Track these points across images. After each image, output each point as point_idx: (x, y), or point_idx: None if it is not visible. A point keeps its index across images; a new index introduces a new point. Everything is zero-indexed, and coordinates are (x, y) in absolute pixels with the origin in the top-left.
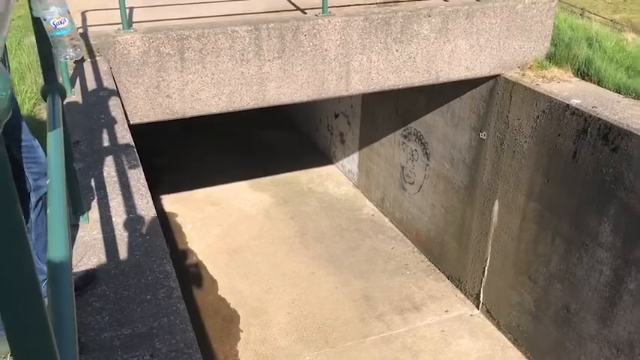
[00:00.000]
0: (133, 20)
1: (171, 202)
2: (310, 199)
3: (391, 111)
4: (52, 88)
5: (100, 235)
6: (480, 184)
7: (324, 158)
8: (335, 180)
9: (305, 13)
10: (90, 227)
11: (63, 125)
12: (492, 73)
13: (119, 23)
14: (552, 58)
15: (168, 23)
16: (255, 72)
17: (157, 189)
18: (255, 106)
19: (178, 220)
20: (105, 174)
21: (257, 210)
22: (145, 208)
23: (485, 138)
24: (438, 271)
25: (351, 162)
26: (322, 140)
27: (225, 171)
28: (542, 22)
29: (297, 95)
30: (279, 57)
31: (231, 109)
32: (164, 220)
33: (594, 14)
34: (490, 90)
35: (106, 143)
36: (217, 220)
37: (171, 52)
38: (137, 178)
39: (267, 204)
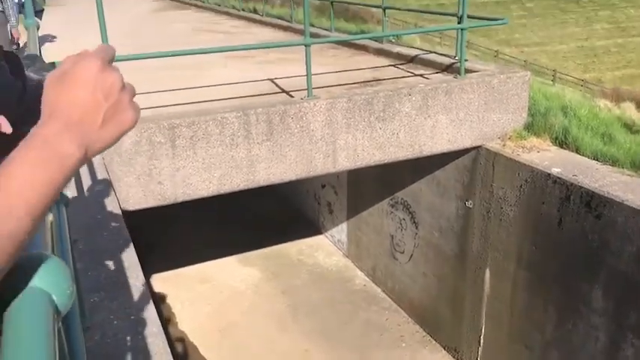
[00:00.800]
0: None
1: (160, 281)
2: (300, 271)
3: (377, 181)
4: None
5: (102, 340)
6: (470, 252)
7: (312, 229)
8: (325, 250)
9: (291, 96)
10: (91, 332)
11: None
12: (474, 145)
13: None
14: (530, 128)
15: (159, 111)
16: (245, 155)
17: (145, 267)
18: (246, 187)
19: (168, 300)
20: (104, 274)
21: (247, 285)
22: (146, 309)
23: (471, 207)
24: (434, 341)
25: (340, 232)
26: (310, 211)
27: (214, 246)
28: (518, 94)
29: (286, 175)
30: (267, 139)
31: (222, 192)
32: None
33: (565, 75)
34: (473, 160)
35: (103, 240)
36: (207, 298)
37: (162, 140)
38: (136, 276)
39: (256, 279)
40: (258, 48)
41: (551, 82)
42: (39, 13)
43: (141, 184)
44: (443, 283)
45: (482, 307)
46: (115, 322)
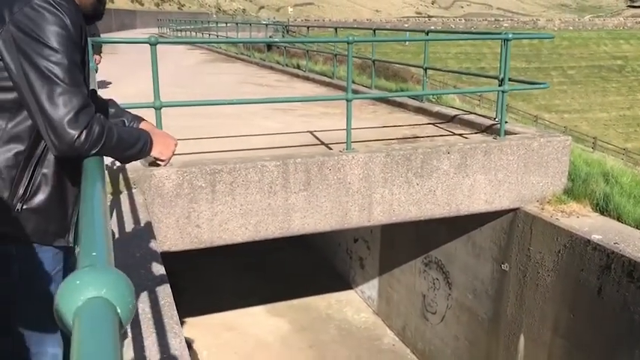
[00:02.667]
0: None
1: (187, 326)
2: (329, 326)
3: (411, 238)
4: None
5: None
6: (504, 316)
7: (343, 283)
8: (354, 306)
9: (330, 149)
10: None
11: None
12: (512, 207)
13: None
14: (570, 193)
15: (201, 157)
16: (282, 203)
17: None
18: (280, 236)
19: (195, 346)
20: (140, 310)
21: (274, 337)
22: (178, 348)
23: (507, 270)
24: None
25: (370, 288)
26: (341, 264)
27: (242, 294)
28: (558, 158)
29: (321, 225)
30: (304, 189)
31: (257, 239)
32: None
33: (606, 143)
34: (510, 222)
35: (141, 279)
36: (233, 347)
37: (203, 184)
38: (170, 315)
39: (284, 330)
40: (301, 101)
41: (592, 150)
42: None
43: (179, 226)
44: (475, 348)
45: None
46: (148, 358)
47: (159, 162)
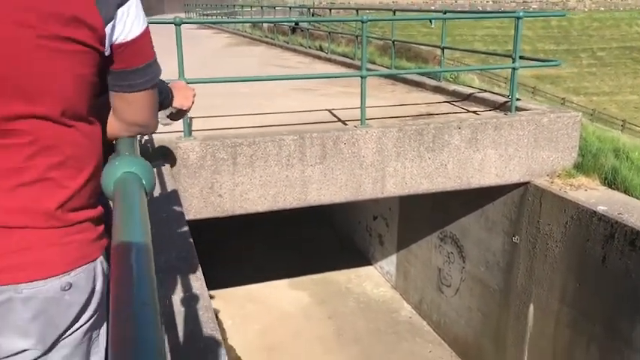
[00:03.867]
0: (193, 129)
1: (212, 295)
2: (348, 299)
3: (428, 214)
4: None
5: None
6: (514, 287)
7: (362, 259)
8: (373, 281)
9: (345, 125)
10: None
11: None
12: (522, 180)
13: (181, 131)
14: (580, 168)
15: (223, 132)
16: (299, 175)
17: None
18: (297, 206)
19: (220, 315)
20: (169, 276)
21: (295, 308)
22: (206, 313)
23: (517, 242)
24: None
25: (389, 263)
26: (361, 241)
27: (265, 268)
28: (569, 134)
29: (336, 197)
30: (320, 162)
31: (275, 208)
32: None
33: (636, 125)
34: (521, 196)
35: (167, 242)
36: (257, 317)
37: (225, 157)
38: (199, 282)
39: (305, 303)
40: (317, 78)
41: (620, 132)
42: None
43: (203, 195)
44: (487, 318)
45: (524, 343)
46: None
47: (180, 113)
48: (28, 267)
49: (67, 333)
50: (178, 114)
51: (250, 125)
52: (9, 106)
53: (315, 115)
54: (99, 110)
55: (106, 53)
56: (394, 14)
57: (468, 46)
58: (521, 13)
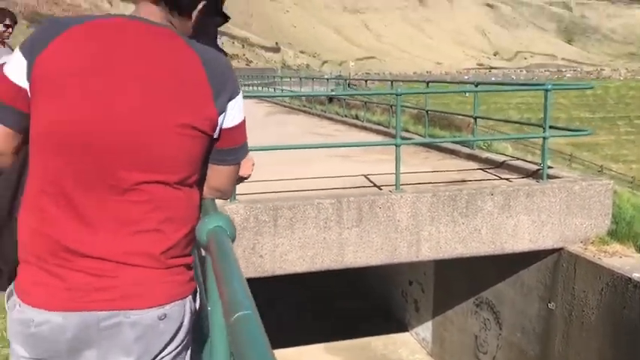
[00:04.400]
0: (238, 193)
1: None
2: None
3: (464, 280)
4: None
5: None
6: (551, 354)
7: (398, 325)
8: (409, 348)
9: (381, 190)
10: None
11: None
12: (556, 246)
13: None
14: (614, 235)
15: (265, 196)
16: (336, 238)
17: None
18: (334, 268)
19: None
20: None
21: None
22: None
23: (553, 308)
24: None
25: (425, 330)
26: (397, 307)
27: (302, 332)
28: (601, 201)
29: (372, 259)
30: (356, 225)
31: (312, 270)
32: None
33: None
34: (555, 262)
35: None
36: None
37: (267, 219)
38: None
39: None
40: (353, 146)
41: None
42: None
43: (245, 256)
44: None
45: None
46: None
47: (241, 180)
48: (137, 298)
49: (159, 357)
50: (239, 180)
51: (290, 189)
52: (140, 174)
53: (351, 180)
54: (200, 180)
55: (215, 136)
56: (427, 85)
57: (503, 114)
58: (549, 86)
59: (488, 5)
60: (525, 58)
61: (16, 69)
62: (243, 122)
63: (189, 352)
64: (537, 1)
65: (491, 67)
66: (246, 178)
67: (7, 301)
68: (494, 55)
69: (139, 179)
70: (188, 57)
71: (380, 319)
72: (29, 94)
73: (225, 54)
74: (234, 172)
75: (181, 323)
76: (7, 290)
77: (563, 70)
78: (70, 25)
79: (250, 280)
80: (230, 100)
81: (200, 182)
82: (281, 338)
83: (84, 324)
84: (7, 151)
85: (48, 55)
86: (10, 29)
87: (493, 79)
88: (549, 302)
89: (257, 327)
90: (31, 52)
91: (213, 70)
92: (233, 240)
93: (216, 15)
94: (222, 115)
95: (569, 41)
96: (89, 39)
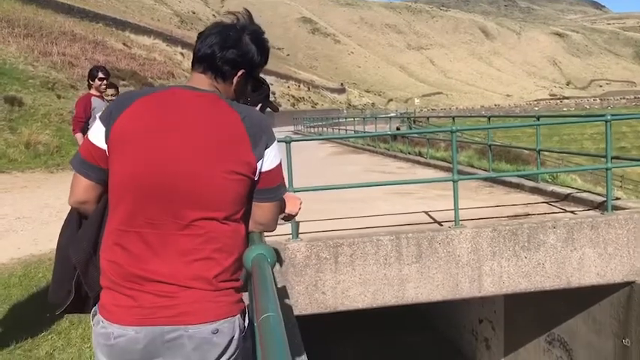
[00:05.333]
0: (300, 232)
1: None
2: None
3: (534, 316)
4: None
5: None
6: None
7: None
8: None
9: (441, 225)
10: None
11: None
12: (626, 280)
13: (290, 234)
14: None
15: (326, 234)
16: (396, 274)
17: None
18: (396, 304)
19: None
20: None
21: None
22: None
23: (628, 345)
24: None
25: None
26: (467, 346)
27: None
28: None
29: (433, 295)
30: (416, 261)
31: (374, 306)
32: None
33: None
34: (627, 296)
35: None
36: None
37: (327, 256)
38: None
39: None
40: (410, 183)
41: None
42: None
43: (308, 292)
44: None
45: None
46: None
47: (289, 217)
48: (193, 315)
49: None
50: (288, 217)
51: (351, 227)
52: (196, 212)
53: (411, 217)
54: (246, 214)
55: (256, 178)
56: (489, 120)
57: (576, 145)
58: (609, 117)
59: (558, 35)
60: (601, 86)
61: (97, 134)
62: (280, 165)
63: None
64: (611, 27)
65: (564, 97)
66: (294, 216)
67: (93, 319)
68: (567, 84)
69: (195, 216)
70: (230, 115)
71: (449, 358)
72: (107, 153)
73: (276, 108)
74: (275, 207)
75: (232, 337)
76: (92, 311)
77: None
78: (137, 97)
79: (314, 317)
80: (267, 147)
81: (245, 218)
82: None
83: (152, 336)
84: (91, 199)
85: (120, 123)
86: (105, 81)
87: (565, 109)
88: (624, 339)
89: (278, 324)
90: (108, 121)
91: (251, 125)
92: (273, 266)
93: (253, 80)
94: (260, 161)
95: None
96: (152, 107)
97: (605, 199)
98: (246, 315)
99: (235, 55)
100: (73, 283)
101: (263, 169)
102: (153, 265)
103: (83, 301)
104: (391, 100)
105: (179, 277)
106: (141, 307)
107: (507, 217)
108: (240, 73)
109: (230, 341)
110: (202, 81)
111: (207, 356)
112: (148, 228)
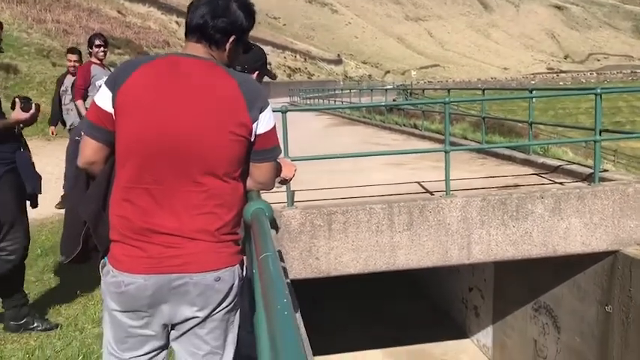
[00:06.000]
0: (295, 200)
1: None
2: None
3: (522, 285)
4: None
5: None
6: (610, 358)
7: (459, 331)
8: (470, 354)
9: (432, 195)
10: None
11: None
12: (610, 249)
13: (285, 202)
14: None
15: (320, 202)
16: (388, 241)
17: None
18: (387, 270)
19: None
20: None
21: None
22: None
23: (610, 311)
24: None
25: (485, 336)
26: (457, 313)
27: (361, 338)
28: None
29: (423, 262)
30: (407, 229)
31: (366, 271)
32: None
33: None
34: (611, 265)
35: None
36: None
37: (321, 223)
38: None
39: None
40: (402, 153)
41: None
42: None
43: (302, 258)
44: None
45: None
46: None
47: (285, 181)
48: (198, 263)
49: (216, 311)
50: (284, 181)
51: (345, 196)
52: (198, 171)
53: (404, 187)
54: (244, 174)
55: (252, 139)
56: (483, 93)
57: (572, 119)
58: (598, 90)
59: (557, 7)
60: (598, 60)
61: (104, 98)
62: (274, 128)
63: (238, 311)
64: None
65: (561, 71)
66: (289, 180)
67: (102, 270)
68: (565, 58)
69: (198, 175)
70: (227, 80)
71: (440, 326)
72: (114, 117)
73: (274, 76)
74: (272, 167)
75: (232, 284)
76: (101, 262)
77: (638, 71)
78: (140, 64)
79: (307, 281)
80: (261, 112)
81: (243, 177)
82: (338, 342)
83: (160, 284)
84: (99, 160)
85: (126, 87)
86: (102, 48)
87: (561, 83)
88: (606, 305)
89: (276, 261)
90: (113, 86)
91: (247, 90)
92: (270, 219)
93: (243, 44)
94: (255, 123)
95: None
96: (155, 73)
97: (593, 171)
98: (245, 267)
99: (226, 24)
100: (81, 237)
101: (258, 132)
102: (160, 219)
103: (87, 253)
104: (388, 72)
105: (184, 230)
106: (150, 257)
107: (497, 187)
108: (231, 40)
109: (230, 288)
110: (198, 49)
111: (210, 302)
112: (155, 185)
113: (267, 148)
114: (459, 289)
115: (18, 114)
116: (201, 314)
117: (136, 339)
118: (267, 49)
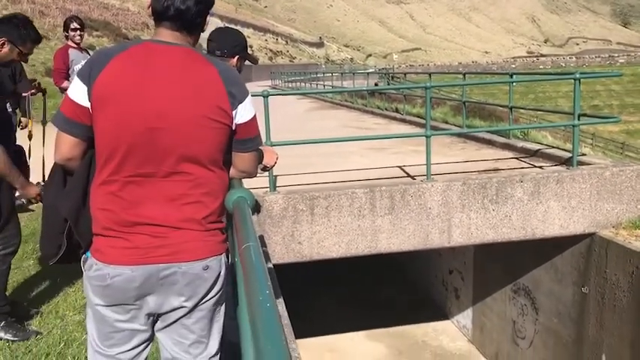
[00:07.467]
0: (277, 185)
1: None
2: (425, 352)
3: (501, 267)
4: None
5: None
6: (586, 338)
7: (439, 313)
8: (450, 335)
9: (413, 179)
10: None
11: None
12: (587, 232)
13: (267, 187)
14: None
15: (303, 187)
16: (369, 225)
17: None
18: (369, 253)
19: None
20: None
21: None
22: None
23: (587, 292)
24: None
25: (465, 317)
26: (437, 295)
27: (343, 319)
28: (633, 187)
29: (405, 245)
30: (389, 213)
31: (348, 255)
32: None
33: None
34: (588, 247)
35: None
36: None
37: (304, 208)
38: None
39: (382, 354)
40: (385, 138)
41: None
42: None
43: (285, 242)
44: None
45: None
46: None
47: (266, 168)
48: (186, 252)
49: (203, 300)
50: (265, 168)
51: (327, 181)
52: (181, 160)
53: (385, 171)
54: (227, 163)
55: (233, 128)
56: (464, 77)
57: (551, 102)
58: (577, 75)
59: None
60: (578, 44)
61: (78, 92)
62: (254, 118)
63: (224, 303)
64: None
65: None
66: (270, 168)
67: (84, 265)
68: (545, 42)
69: (181, 164)
70: (206, 67)
71: (421, 308)
72: (90, 110)
73: (256, 60)
74: (254, 156)
75: (219, 273)
76: (82, 258)
77: (616, 55)
78: (114, 54)
79: (290, 266)
80: (241, 102)
81: (226, 165)
82: (321, 325)
83: (148, 274)
84: (76, 156)
85: (102, 80)
86: (79, 32)
87: (541, 67)
88: (583, 287)
89: (257, 250)
90: (88, 79)
91: (227, 78)
92: (252, 207)
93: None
94: (234, 112)
95: (625, 24)
96: (131, 63)
97: (571, 155)
98: (229, 255)
99: (203, 6)
100: (64, 235)
101: (239, 121)
102: (145, 210)
103: (73, 252)
104: (370, 55)
105: (171, 220)
106: (136, 248)
107: (477, 171)
108: (206, 20)
109: (218, 276)
110: (175, 36)
111: (198, 291)
112: (138, 177)
113: (248, 138)
114: (439, 272)
115: (30, 190)
116: (189, 304)
117: (122, 334)
118: (248, 31)
